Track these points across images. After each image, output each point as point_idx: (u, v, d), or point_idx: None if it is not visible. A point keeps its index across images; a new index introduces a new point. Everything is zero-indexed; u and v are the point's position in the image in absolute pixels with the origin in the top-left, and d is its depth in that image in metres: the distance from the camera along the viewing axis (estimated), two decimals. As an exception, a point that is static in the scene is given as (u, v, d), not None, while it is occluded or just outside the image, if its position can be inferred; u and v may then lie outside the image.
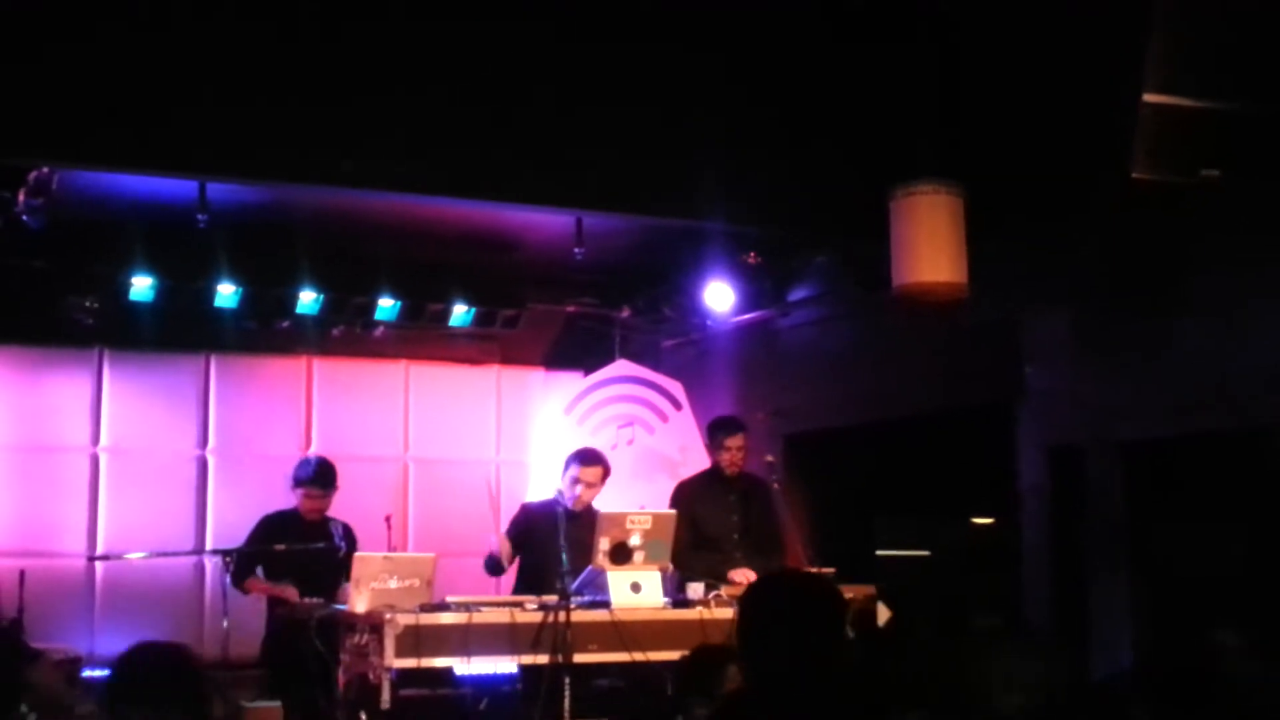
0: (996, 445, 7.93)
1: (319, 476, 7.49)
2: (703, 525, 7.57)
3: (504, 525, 7.56)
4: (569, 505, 7.29)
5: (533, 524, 7.42)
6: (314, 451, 9.35)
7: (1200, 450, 6.90)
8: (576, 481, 7.35)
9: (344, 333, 9.54)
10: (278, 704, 7.14)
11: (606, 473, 7.48)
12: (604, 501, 7.53)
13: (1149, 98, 5.98)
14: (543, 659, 6.30)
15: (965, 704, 2.72)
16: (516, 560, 7.49)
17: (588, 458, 7.49)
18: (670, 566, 7.04)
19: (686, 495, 7.77)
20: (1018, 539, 7.82)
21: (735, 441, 7.56)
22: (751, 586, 3.42)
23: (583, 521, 7.09)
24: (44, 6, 6.24)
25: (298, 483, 7.50)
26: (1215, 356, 6.83)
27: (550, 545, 6.91)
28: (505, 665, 6.41)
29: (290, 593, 7.18)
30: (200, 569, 8.97)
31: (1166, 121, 6.02)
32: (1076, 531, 7.49)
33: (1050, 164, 7.12)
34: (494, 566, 7.41)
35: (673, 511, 7.30)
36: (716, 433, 7.68)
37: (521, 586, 7.37)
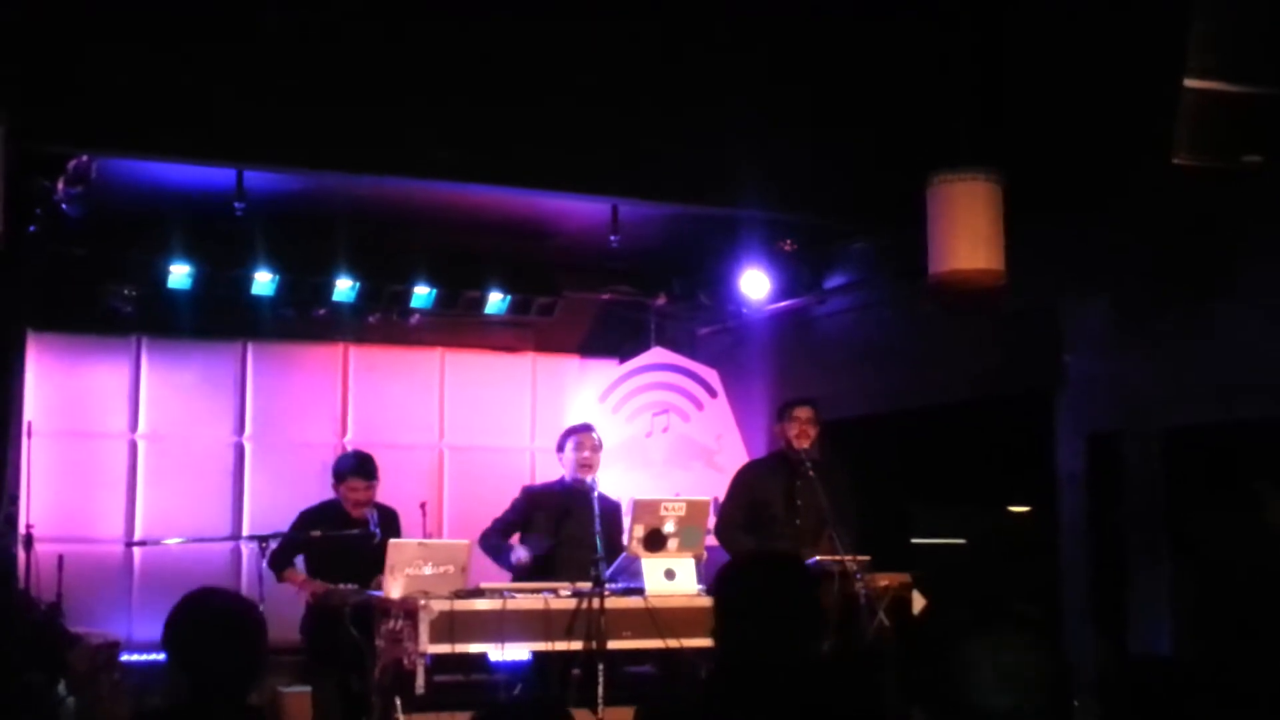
0: (1034, 433, 7.88)
1: (360, 466, 7.42)
2: (762, 508, 7.52)
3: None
4: (574, 477, 7.34)
5: (539, 506, 7.45)
6: (350, 438, 9.42)
7: (1241, 437, 6.83)
8: (580, 447, 7.38)
9: (380, 320, 9.56)
10: (309, 689, 7.18)
11: (599, 441, 7.56)
12: (638, 489, 7.51)
13: (1190, 83, 5.90)
14: (576, 645, 6.31)
15: (955, 701, 2.42)
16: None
17: (582, 428, 7.59)
18: (704, 554, 7.02)
19: (748, 476, 7.72)
20: (1055, 527, 7.77)
21: (804, 413, 7.47)
22: (721, 570, 3.27)
23: (583, 501, 7.11)
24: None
25: (340, 477, 7.42)
26: (1255, 343, 6.76)
27: (561, 526, 7.24)
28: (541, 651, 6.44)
29: (319, 588, 7.15)
30: (237, 554, 9.01)
31: (1208, 107, 5.94)
32: (1115, 520, 7.43)
33: (1090, 150, 7.06)
34: (498, 551, 7.40)
35: (707, 498, 7.29)
36: (785, 408, 7.60)
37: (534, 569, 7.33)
